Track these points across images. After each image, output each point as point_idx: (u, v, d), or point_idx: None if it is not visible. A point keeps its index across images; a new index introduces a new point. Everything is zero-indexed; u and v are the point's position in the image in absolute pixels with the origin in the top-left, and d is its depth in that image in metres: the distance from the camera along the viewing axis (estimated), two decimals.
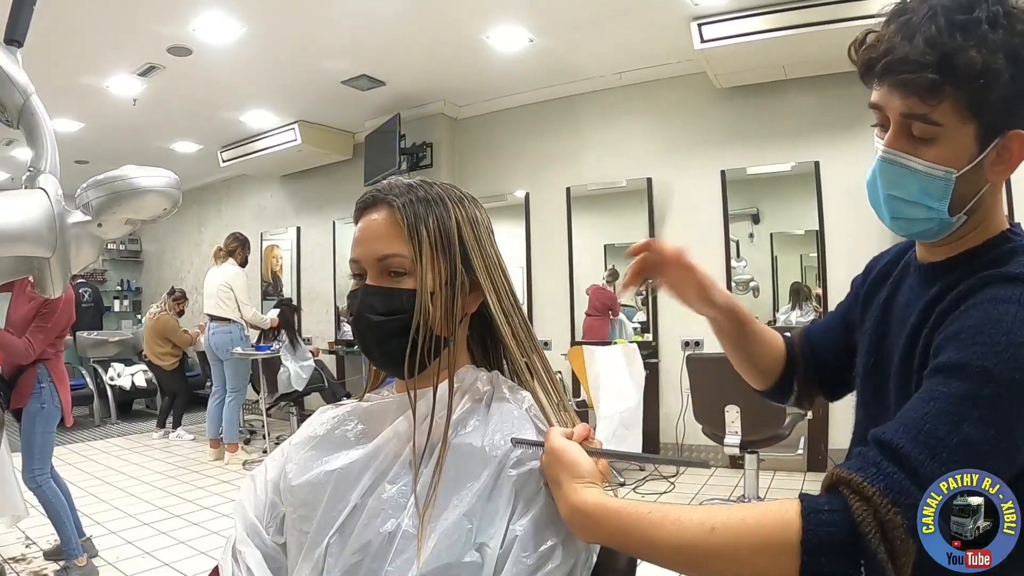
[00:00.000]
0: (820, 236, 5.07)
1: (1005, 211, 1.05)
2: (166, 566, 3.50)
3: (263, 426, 6.68)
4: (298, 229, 7.99)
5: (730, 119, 5.42)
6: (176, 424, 6.96)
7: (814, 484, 4.45)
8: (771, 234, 5.57)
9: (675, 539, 0.78)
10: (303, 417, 6.28)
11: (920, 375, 0.89)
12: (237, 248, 5.96)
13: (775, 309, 5.48)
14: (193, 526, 4.11)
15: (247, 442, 6.04)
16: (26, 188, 1.67)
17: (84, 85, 5.43)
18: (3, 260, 1.70)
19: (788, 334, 1.34)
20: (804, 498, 0.76)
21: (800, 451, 4.41)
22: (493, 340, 1.07)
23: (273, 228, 8.23)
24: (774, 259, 5.56)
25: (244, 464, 5.58)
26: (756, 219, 5.53)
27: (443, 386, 0.96)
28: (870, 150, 3.78)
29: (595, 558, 0.92)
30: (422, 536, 0.86)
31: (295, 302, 7.13)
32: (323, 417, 1.07)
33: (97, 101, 5.74)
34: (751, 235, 5.49)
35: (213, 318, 5.83)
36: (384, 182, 1.02)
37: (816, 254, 5.29)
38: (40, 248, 1.61)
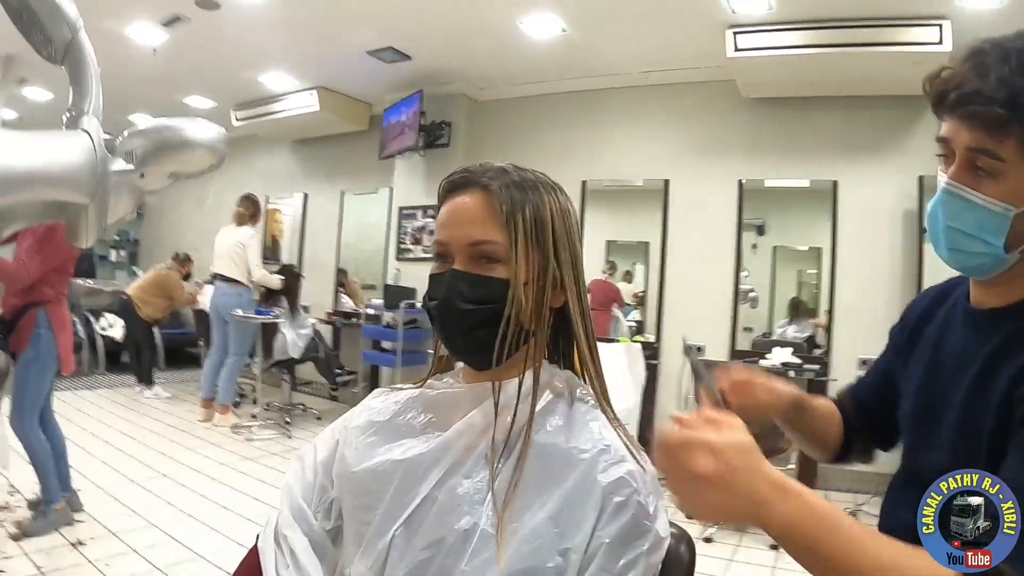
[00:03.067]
0: (832, 254, 5.10)
1: None
2: (153, 527, 3.46)
3: (253, 390, 6.66)
4: (305, 195, 7.93)
5: (752, 129, 5.40)
6: (149, 381, 6.90)
7: None
8: (774, 247, 5.59)
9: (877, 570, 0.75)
10: (295, 385, 6.32)
11: (997, 425, 0.91)
12: (255, 212, 5.93)
13: (771, 322, 5.50)
14: (182, 487, 4.08)
15: (236, 405, 5.98)
16: (68, 129, 1.62)
17: (105, 29, 5.32)
18: (32, 203, 1.65)
19: (836, 398, 1.37)
20: None
21: (792, 465, 4.43)
22: (566, 340, 1.04)
23: (279, 192, 8.16)
24: (774, 272, 5.57)
25: (233, 428, 5.53)
26: (761, 231, 5.53)
27: (526, 381, 0.93)
28: (888, 174, 3.84)
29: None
30: (502, 536, 0.83)
31: (296, 269, 7.06)
32: (383, 401, 1.04)
33: (115, 47, 5.63)
34: (754, 246, 5.48)
35: (223, 278, 5.77)
36: (475, 164, 0.99)
37: (816, 271, 5.38)
38: (79, 194, 1.56)
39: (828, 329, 5.07)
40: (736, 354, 5.21)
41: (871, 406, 1.29)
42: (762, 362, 4.67)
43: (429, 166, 6.44)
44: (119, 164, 1.54)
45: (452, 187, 0.98)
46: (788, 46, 4.54)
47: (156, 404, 6.38)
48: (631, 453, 0.90)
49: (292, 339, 5.81)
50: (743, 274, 5.41)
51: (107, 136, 1.52)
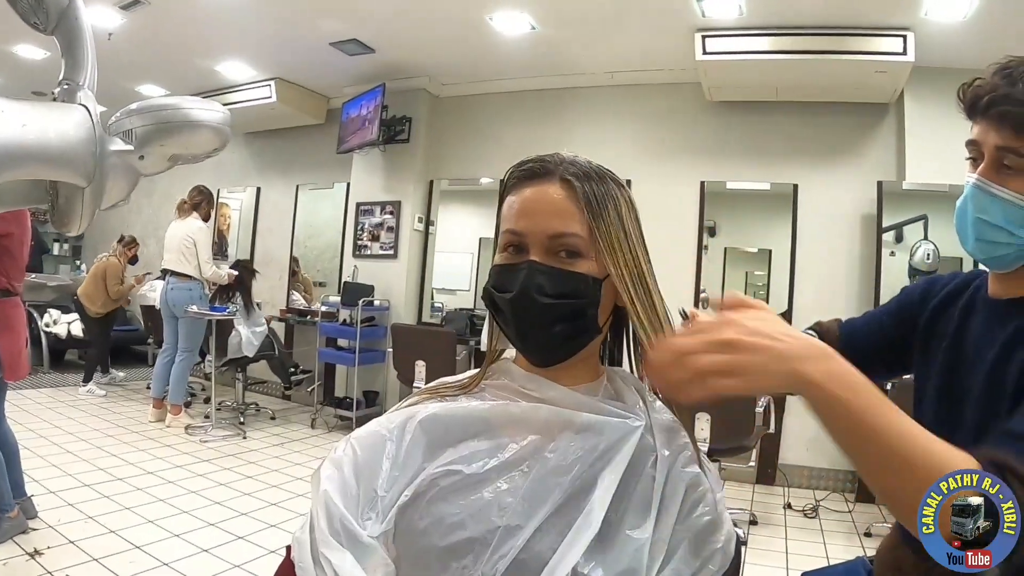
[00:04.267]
0: (791, 257, 5.18)
1: None
2: (112, 533, 3.30)
3: (203, 389, 6.47)
4: (258, 189, 7.74)
5: (716, 132, 5.47)
6: (87, 378, 6.65)
7: (763, 495, 4.57)
8: (724, 248, 5.67)
9: (904, 436, 0.74)
10: (248, 384, 6.15)
11: (1015, 402, 0.99)
12: (202, 202, 5.70)
13: None
14: (138, 491, 3.91)
15: (187, 405, 5.78)
16: (63, 102, 1.50)
17: None
18: (20, 183, 1.53)
19: (808, 330, 1.43)
20: (982, 462, 0.77)
21: (752, 463, 4.48)
22: (615, 337, 1.04)
23: (232, 185, 7.95)
24: (724, 273, 5.64)
25: (187, 429, 5.34)
26: (712, 232, 5.59)
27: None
28: (849, 179, 3.94)
29: None
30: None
31: (250, 265, 6.87)
32: (450, 417, 0.93)
33: None
34: (706, 247, 5.54)
35: (172, 273, 5.55)
36: (544, 154, 0.95)
37: (764, 272, 5.56)
38: (77, 175, 1.44)
39: None
40: None
41: (866, 350, 1.36)
42: None
43: (388, 161, 6.35)
44: (117, 144, 1.43)
45: (528, 175, 0.93)
46: (756, 51, 4.61)
47: (104, 404, 6.12)
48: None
49: (247, 337, 5.65)
50: None
51: (101, 109, 1.42)
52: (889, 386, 4.21)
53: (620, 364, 1.05)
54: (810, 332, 1.39)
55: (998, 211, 1.06)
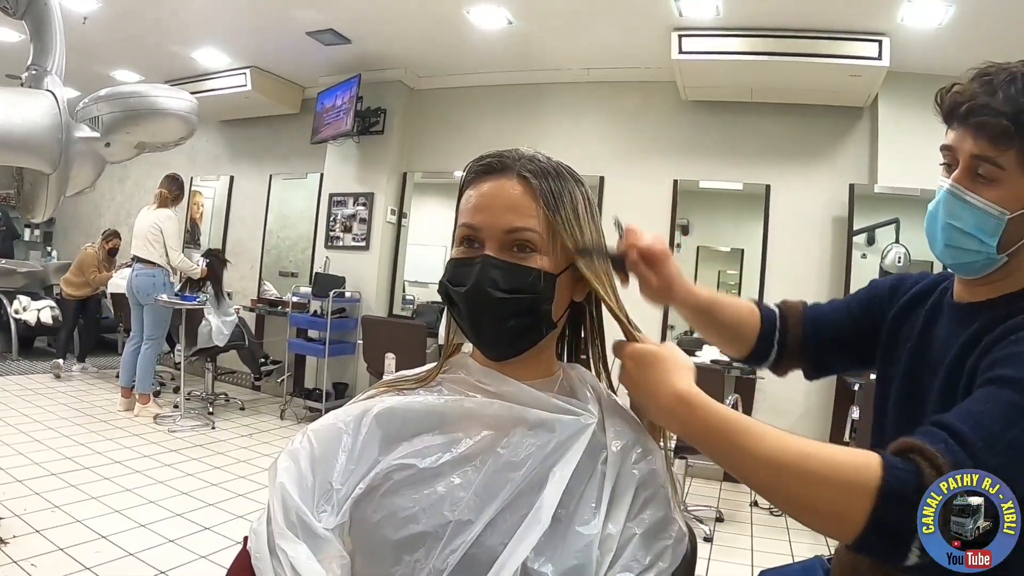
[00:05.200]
0: (763, 257, 5.22)
1: None
2: (78, 523, 3.27)
3: (172, 379, 6.41)
4: (231, 179, 7.67)
5: (690, 131, 5.50)
6: (81, 358, 6.74)
7: (730, 493, 4.61)
8: (697, 247, 5.72)
9: (775, 453, 0.82)
10: (217, 374, 6.11)
11: (965, 396, 0.99)
12: (179, 194, 5.67)
13: None
14: (105, 480, 3.87)
15: (156, 394, 5.73)
16: (30, 88, 1.49)
17: None
18: None
19: (772, 305, 1.44)
20: (883, 454, 0.81)
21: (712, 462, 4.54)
22: (573, 332, 1.06)
23: (205, 174, 7.87)
24: (696, 272, 5.69)
25: (155, 418, 5.29)
26: (685, 230, 5.64)
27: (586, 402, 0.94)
28: (821, 181, 4.01)
29: None
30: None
31: (222, 254, 6.80)
32: (404, 411, 0.94)
33: None
34: (678, 245, 5.57)
35: (139, 260, 5.50)
36: (504, 150, 0.95)
37: (736, 271, 5.59)
38: (42, 161, 1.43)
39: None
40: None
41: (824, 335, 1.40)
42: (692, 359, 4.73)
43: (362, 153, 6.33)
44: (83, 131, 1.42)
45: (486, 170, 0.94)
46: (732, 51, 4.64)
47: (73, 393, 6.03)
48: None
49: (217, 327, 5.60)
50: None
51: (75, 93, 1.41)
52: (857, 387, 4.29)
53: (577, 359, 1.06)
54: (775, 308, 1.42)
55: (969, 218, 1.07)
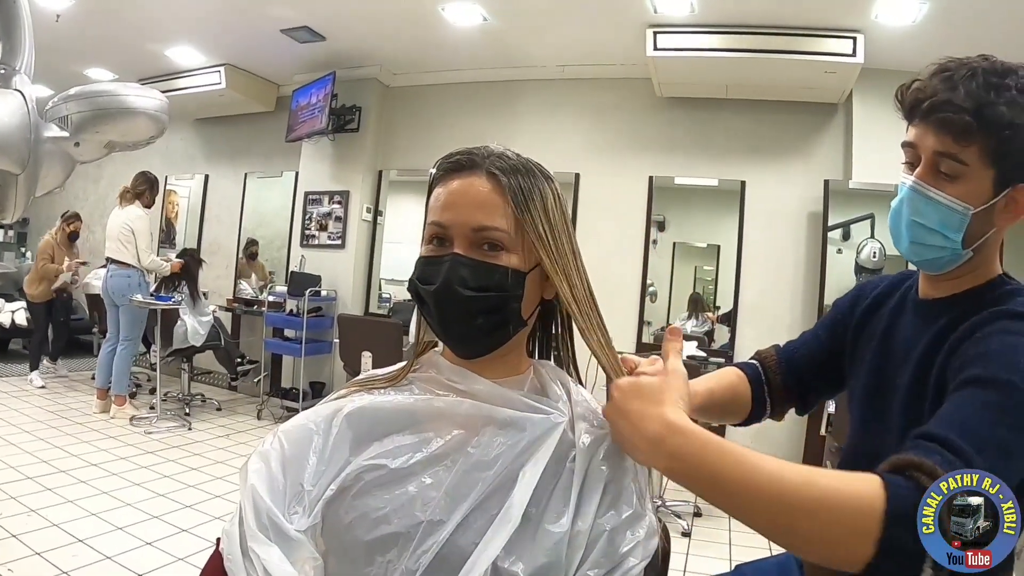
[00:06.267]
0: (738, 252, 5.25)
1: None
2: (55, 527, 3.23)
3: (148, 380, 6.35)
4: (206, 177, 7.60)
5: (665, 128, 5.52)
6: (33, 366, 6.47)
7: None
8: (674, 243, 5.74)
9: (773, 486, 0.79)
10: (194, 375, 6.07)
11: (935, 395, 1.03)
12: (146, 190, 5.57)
13: (669, 316, 5.66)
14: (81, 484, 3.83)
15: (132, 396, 5.68)
16: None
17: None
18: None
19: (752, 361, 1.45)
20: (882, 474, 0.80)
21: None
22: (543, 330, 1.06)
23: (180, 172, 7.80)
24: (673, 267, 5.72)
25: (131, 420, 5.24)
26: (661, 227, 5.66)
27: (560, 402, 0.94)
28: (795, 177, 4.04)
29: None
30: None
31: (197, 254, 6.73)
32: (375, 411, 0.93)
33: None
34: (655, 241, 5.60)
35: (113, 261, 5.44)
36: (473, 147, 0.95)
37: (713, 267, 5.62)
38: (11, 162, 1.42)
39: (732, 324, 5.23)
40: (642, 347, 5.31)
41: (805, 373, 1.41)
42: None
43: (337, 151, 6.30)
44: (52, 130, 1.41)
45: (455, 167, 0.93)
46: (707, 48, 4.66)
47: (48, 395, 5.95)
48: None
49: (193, 327, 5.56)
50: None
51: (47, 92, 1.40)
52: (833, 407, 4.31)
53: (549, 356, 1.06)
54: (754, 362, 1.43)
55: (933, 214, 1.08)
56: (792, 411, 1.46)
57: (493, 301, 0.89)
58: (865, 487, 0.77)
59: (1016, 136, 1.01)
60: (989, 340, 0.98)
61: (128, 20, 5.49)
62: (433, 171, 0.97)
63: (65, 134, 1.34)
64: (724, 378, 1.41)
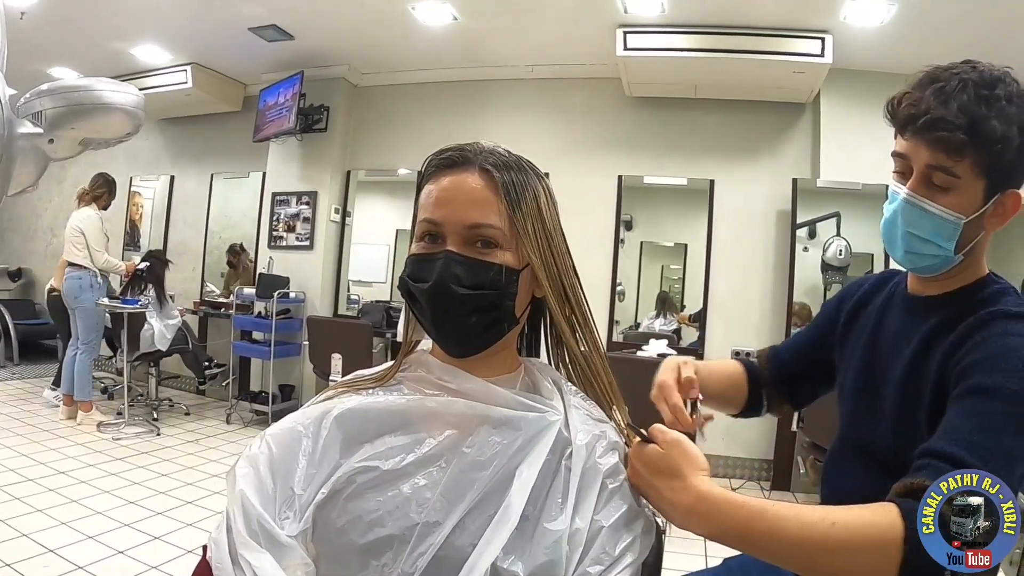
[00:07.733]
0: (707, 251, 5.29)
1: None
2: (25, 537, 3.15)
3: (114, 384, 6.23)
4: (172, 178, 7.46)
5: (635, 127, 5.55)
6: None
7: None
8: (641, 242, 5.79)
9: (799, 532, 0.84)
10: (161, 379, 5.97)
11: (934, 395, 1.06)
12: (104, 192, 5.50)
13: (637, 315, 5.71)
14: (49, 492, 3.75)
15: (109, 395, 5.57)
16: None
17: None
18: None
19: (751, 359, 1.56)
20: (897, 502, 0.83)
21: None
22: (532, 328, 1.06)
23: (145, 173, 7.63)
24: (640, 267, 5.77)
25: (99, 426, 5.14)
26: (629, 226, 5.69)
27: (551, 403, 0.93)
28: (764, 176, 4.09)
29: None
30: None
31: (163, 255, 6.61)
32: (365, 413, 0.92)
33: None
34: (622, 240, 5.63)
35: (70, 264, 5.35)
36: (464, 143, 0.94)
37: (680, 266, 5.68)
38: None
39: (702, 322, 5.27)
40: (612, 346, 5.33)
41: (793, 371, 1.49)
42: (639, 353, 4.78)
43: (305, 151, 6.23)
44: (26, 127, 1.37)
45: (448, 163, 0.93)
46: (676, 48, 4.68)
47: (12, 402, 5.81)
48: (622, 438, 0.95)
49: (160, 331, 5.46)
50: None
51: (11, 91, 1.36)
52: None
53: (538, 355, 1.06)
54: (752, 360, 1.52)
55: (927, 225, 1.10)
56: (791, 409, 1.54)
57: (488, 299, 0.89)
58: (884, 520, 0.81)
59: (1006, 149, 1.03)
60: (990, 343, 1.00)
61: (93, 18, 5.38)
62: (423, 167, 0.96)
63: (39, 131, 1.31)
64: (729, 366, 1.53)
